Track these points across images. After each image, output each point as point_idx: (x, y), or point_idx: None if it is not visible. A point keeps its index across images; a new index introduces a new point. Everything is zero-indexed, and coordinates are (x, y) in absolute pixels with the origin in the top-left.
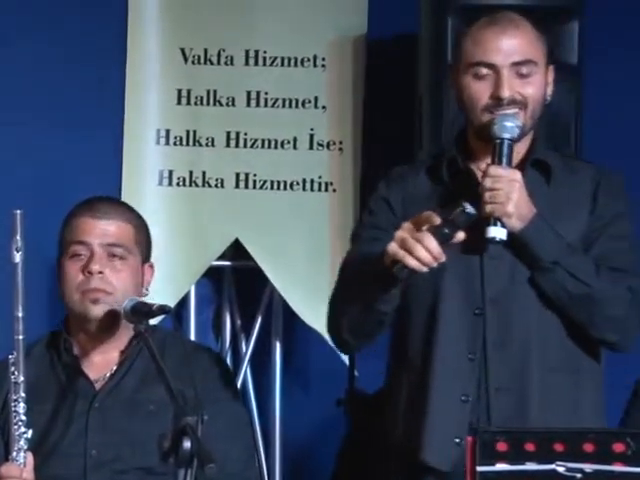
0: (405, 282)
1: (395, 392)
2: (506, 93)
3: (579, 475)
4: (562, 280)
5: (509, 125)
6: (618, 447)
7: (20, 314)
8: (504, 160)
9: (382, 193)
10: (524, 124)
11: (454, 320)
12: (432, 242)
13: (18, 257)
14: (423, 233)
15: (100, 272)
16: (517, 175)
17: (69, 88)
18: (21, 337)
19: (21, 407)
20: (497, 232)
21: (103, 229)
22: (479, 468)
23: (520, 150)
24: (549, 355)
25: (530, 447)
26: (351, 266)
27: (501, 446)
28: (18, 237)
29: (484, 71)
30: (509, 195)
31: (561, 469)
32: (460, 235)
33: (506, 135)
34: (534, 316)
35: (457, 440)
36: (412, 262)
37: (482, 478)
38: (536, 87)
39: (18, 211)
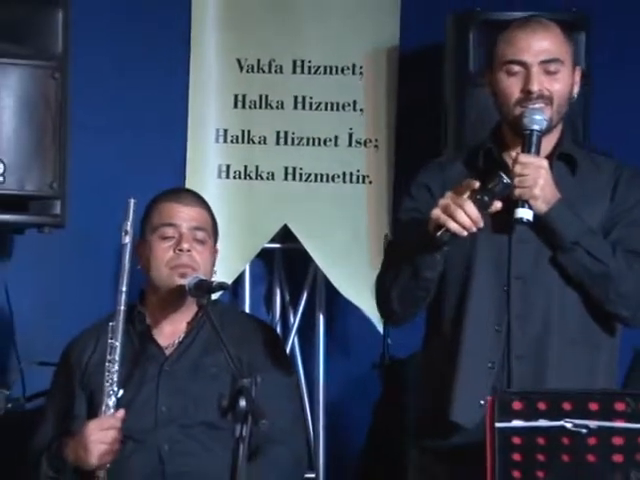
0: (447, 246)
1: (429, 357)
2: (535, 87)
3: (584, 430)
4: (581, 259)
5: (538, 118)
6: (619, 406)
7: (124, 288)
8: (532, 149)
9: (422, 179)
10: (551, 118)
11: (484, 295)
12: (472, 208)
13: (127, 239)
14: (464, 199)
15: (189, 250)
16: (544, 162)
17: (140, 93)
18: (122, 308)
19: (115, 368)
20: (524, 213)
21: (189, 214)
22: (497, 424)
23: (548, 144)
24: (568, 329)
25: (542, 406)
26: (396, 245)
27: (516, 405)
28: (129, 222)
29: (516, 68)
30: (536, 180)
31: (569, 425)
32: (497, 204)
33: (535, 127)
34: (555, 293)
35: (482, 402)
36: (454, 226)
37: (500, 433)
38: (562, 84)
39: (132, 200)
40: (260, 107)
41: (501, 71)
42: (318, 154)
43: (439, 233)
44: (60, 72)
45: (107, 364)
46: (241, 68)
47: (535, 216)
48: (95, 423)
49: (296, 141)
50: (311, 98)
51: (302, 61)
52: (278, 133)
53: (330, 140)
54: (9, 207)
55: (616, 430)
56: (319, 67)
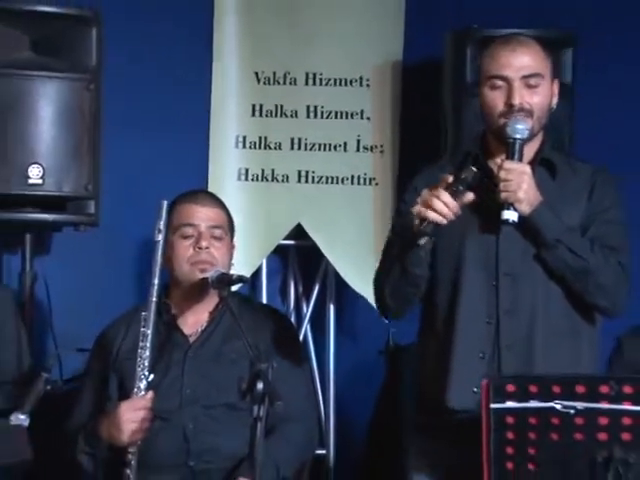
0: (431, 237)
1: (424, 350)
2: (517, 100)
3: (572, 411)
4: (563, 255)
5: (520, 127)
6: (604, 389)
7: (156, 281)
8: (516, 156)
9: (415, 184)
10: (532, 127)
11: (474, 291)
12: (447, 196)
13: (160, 237)
14: (439, 190)
15: (207, 247)
16: (526, 168)
17: (167, 104)
18: (154, 299)
19: (147, 354)
20: (510, 215)
21: (206, 214)
22: (492, 405)
23: (530, 150)
24: (553, 320)
25: (533, 389)
26: (389, 245)
27: (510, 388)
28: (162, 222)
29: (499, 83)
30: (520, 184)
31: (558, 406)
32: (469, 195)
33: (517, 135)
34: (540, 287)
35: (475, 389)
36: (433, 215)
37: (495, 413)
38: (542, 96)
39: (165, 202)
40: (276, 116)
41: (485, 85)
42: (329, 158)
43: (422, 226)
44: (94, 84)
45: (139, 350)
46: (258, 80)
47: (520, 217)
48: (127, 404)
49: (309, 147)
50: (322, 107)
51: (314, 74)
52: (292, 139)
53: (340, 146)
54: (48, 207)
55: (601, 411)
56: (330, 79)
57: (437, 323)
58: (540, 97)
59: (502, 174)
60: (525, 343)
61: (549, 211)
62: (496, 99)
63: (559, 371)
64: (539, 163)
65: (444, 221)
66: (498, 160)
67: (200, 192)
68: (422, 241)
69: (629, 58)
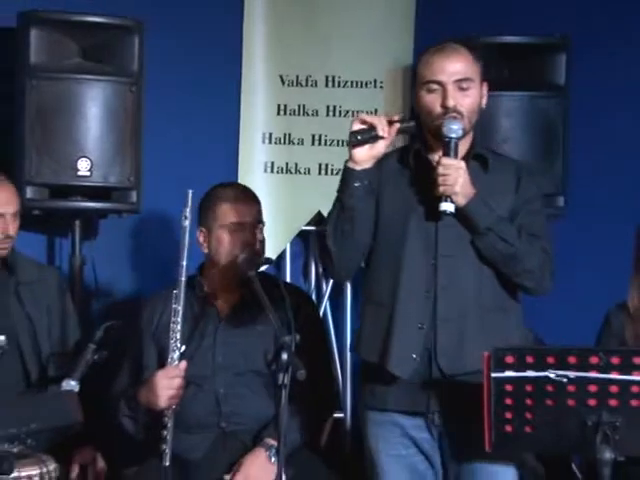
0: (367, 173)
1: (368, 320)
2: (451, 103)
3: (565, 380)
4: (494, 242)
5: (454, 127)
6: (594, 360)
7: (184, 263)
8: (451, 153)
9: None
10: (465, 126)
11: (415, 269)
12: (384, 120)
13: (186, 223)
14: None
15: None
16: (462, 164)
17: (200, 104)
18: (183, 279)
19: (178, 327)
20: (447, 206)
21: (250, 212)
22: (493, 374)
23: (464, 147)
24: (484, 297)
25: (530, 359)
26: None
27: (509, 359)
28: (188, 209)
29: (434, 87)
30: (456, 179)
31: (552, 375)
32: (381, 144)
33: (452, 135)
34: (474, 269)
35: (414, 356)
36: (363, 116)
37: (495, 382)
38: (473, 98)
39: (190, 191)
40: (299, 114)
41: (422, 89)
42: (346, 153)
43: (358, 135)
44: (136, 86)
45: (172, 325)
46: (283, 82)
47: (456, 208)
48: (163, 372)
49: (328, 142)
50: (340, 107)
51: (333, 77)
52: (313, 136)
53: None
54: (95, 196)
55: (591, 380)
56: (347, 82)
57: (380, 294)
58: (471, 99)
59: (440, 170)
60: (459, 317)
61: (482, 202)
62: (433, 102)
63: (489, 343)
64: (472, 158)
65: (370, 119)
66: (436, 156)
67: (241, 189)
68: (361, 137)
69: (622, 61)
